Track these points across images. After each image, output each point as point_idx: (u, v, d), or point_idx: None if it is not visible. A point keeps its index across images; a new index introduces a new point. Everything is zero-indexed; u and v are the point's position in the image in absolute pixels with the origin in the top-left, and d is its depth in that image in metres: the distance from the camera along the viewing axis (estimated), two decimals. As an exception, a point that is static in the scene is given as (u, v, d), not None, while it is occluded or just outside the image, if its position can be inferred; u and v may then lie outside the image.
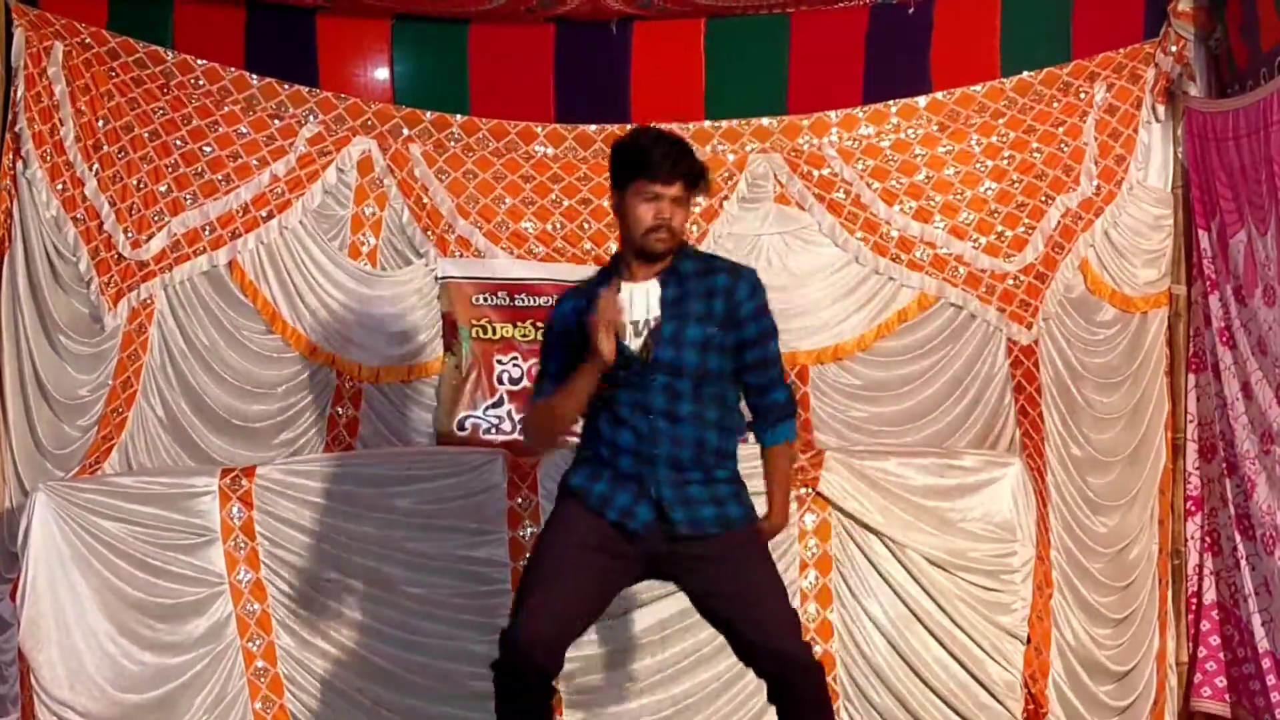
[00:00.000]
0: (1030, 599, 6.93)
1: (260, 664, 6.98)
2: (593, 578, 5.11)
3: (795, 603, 6.84)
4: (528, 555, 5.28)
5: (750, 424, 5.29)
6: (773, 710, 5.12)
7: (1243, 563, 7.17)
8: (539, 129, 8.03)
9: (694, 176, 5.12)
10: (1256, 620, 7.06)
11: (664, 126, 7.79)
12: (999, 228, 7.82)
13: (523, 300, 7.84)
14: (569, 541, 5.12)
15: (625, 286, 5.09)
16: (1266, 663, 6.98)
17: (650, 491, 5.06)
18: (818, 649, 6.86)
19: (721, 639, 6.81)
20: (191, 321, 7.78)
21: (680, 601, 6.76)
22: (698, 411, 5.07)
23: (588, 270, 7.76)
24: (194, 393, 7.74)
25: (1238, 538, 7.22)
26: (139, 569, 6.89)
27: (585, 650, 6.95)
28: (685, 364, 5.04)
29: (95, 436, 7.55)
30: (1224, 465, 7.35)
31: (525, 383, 7.79)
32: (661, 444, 5.05)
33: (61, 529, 6.84)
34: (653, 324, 5.05)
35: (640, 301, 5.09)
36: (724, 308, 5.11)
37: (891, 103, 7.93)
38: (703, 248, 7.76)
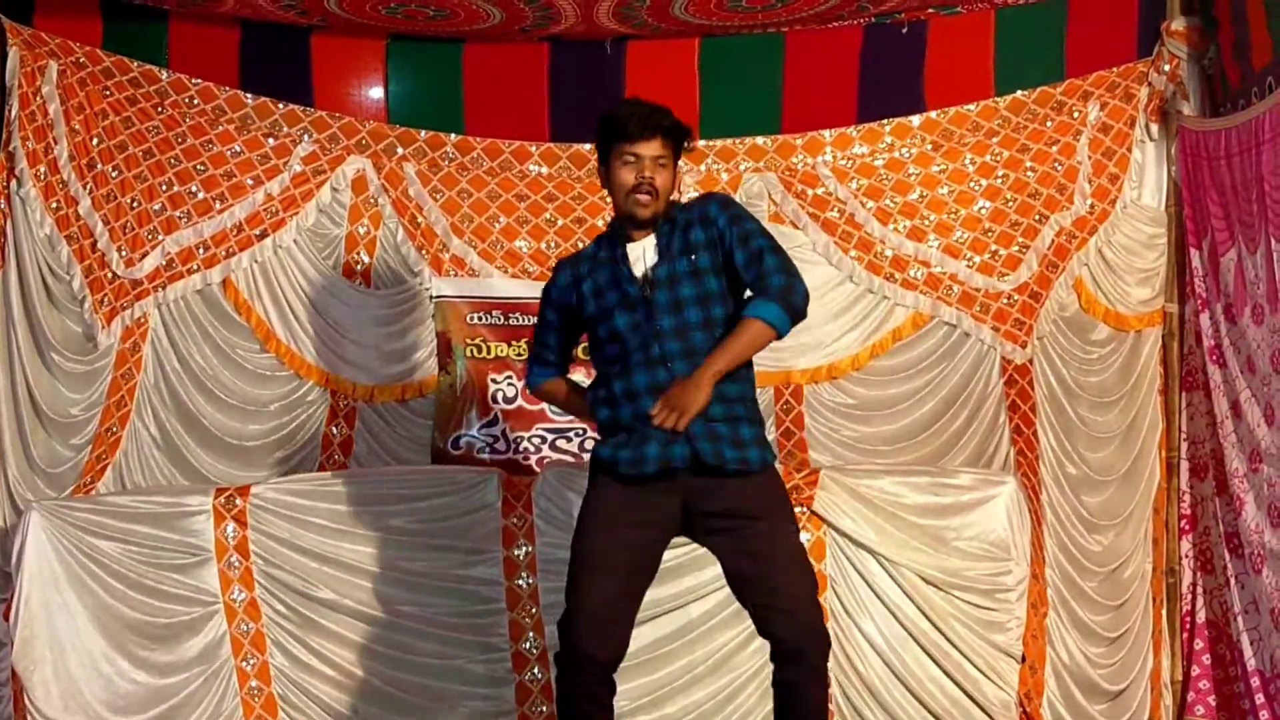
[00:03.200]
0: (1025, 618, 6.92)
1: (254, 684, 6.96)
2: (631, 555, 5.20)
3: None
4: (573, 539, 5.32)
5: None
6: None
7: (1232, 581, 7.18)
8: (533, 148, 8.04)
9: (670, 131, 5.19)
10: (1245, 639, 7.06)
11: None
12: (993, 246, 7.83)
13: (517, 319, 7.84)
14: (604, 524, 5.22)
15: (630, 247, 5.23)
16: (1255, 681, 6.98)
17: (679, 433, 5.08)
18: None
19: (714, 659, 6.86)
20: (185, 340, 7.78)
21: (673, 621, 6.79)
22: (710, 338, 5.12)
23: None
24: (188, 411, 7.74)
25: (1227, 556, 7.22)
26: (133, 588, 6.87)
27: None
28: (683, 295, 5.14)
29: (89, 455, 7.54)
30: (1214, 484, 7.35)
31: (520, 401, 7.79)
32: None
33: (55, 548, 6.82)
34: (644, 271, 5.20)
35: (638, 258, 5.21)
36: (702, 233, 5.20)
37: (886, 122, 7.95)
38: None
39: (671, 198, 5.28)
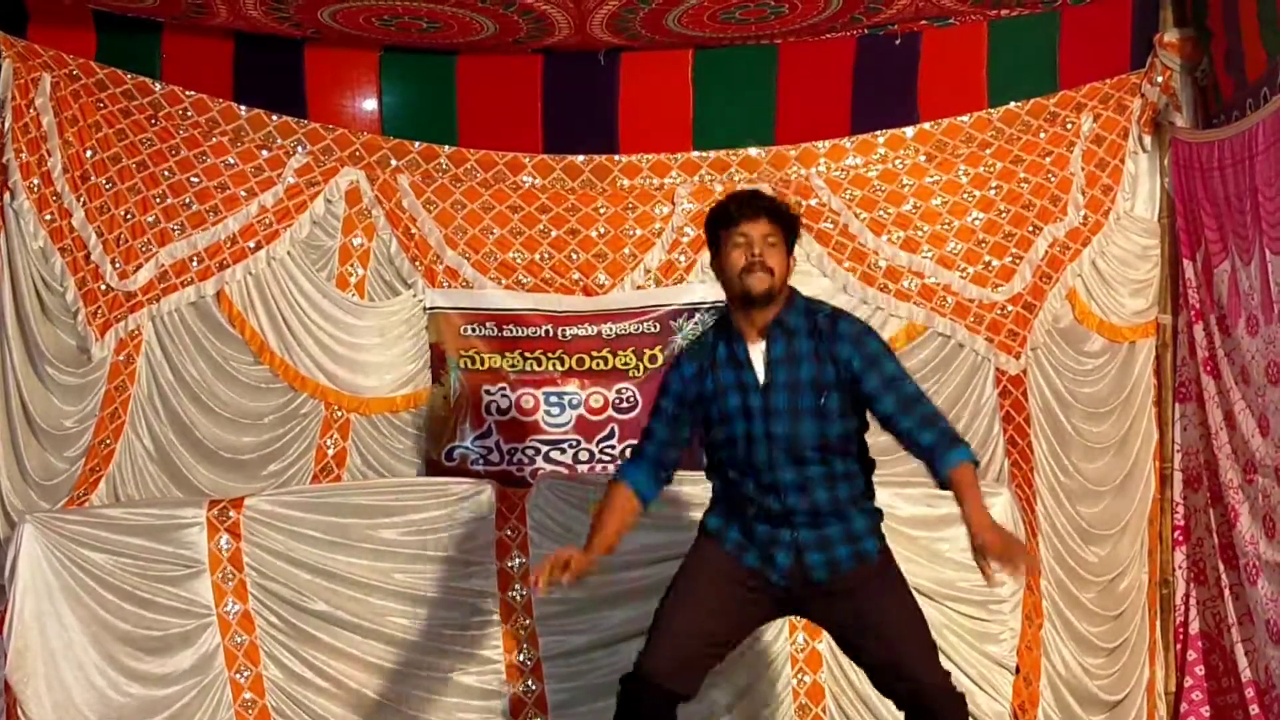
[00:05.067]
0: (1019, 629, 6.93)
1: (248, 696, 6.96)
2: (724, 607, 5.19)
3: (784, 633, 6.86)
4: (677, 573, 5.34)
5: (924, 466, 5.16)
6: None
7: (1226, 592, 7.17)
8: (527, 159, 8.04)
9: (777, 212, 5.16)
10: (1240, 650, 7.06)
11: (651, 157, 7.98)
12: (986, 257, 7.83)
13: (511, 331, 7.84)
14: (703, 571, 5.24)
15: (751, 350, 5.15)
16: (1250, 692, 6.98)
17: (784, 538, 5.13)
18: (807, 679, 6.86)
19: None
20: (179, 352, 7.77)
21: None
22: (828, 473, 5.14)
23: (575, 300, 7.84)
24: (181, 424, 7.73)
25: (1222, 567, 7.22)
26: (126, 600, 6.88)
27: (573, 682, 6.95)
28: (802, 437, 5.08)
29: (83, 468, 7.53)
30: (1208, 495, 7.36)
31: (513, 413, 7.79)
32: (797, 513, 5.12)
33: (49, 560, 6.82)
34: (761, 390, 5.12)
35: (757, 364, 5.14)
36: (833, 371, 5.11)
37: (879, 133, 7.95)
38: (693, 278, 7.83)
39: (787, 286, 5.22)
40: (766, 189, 5.26)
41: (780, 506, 5.11)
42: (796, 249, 5.25)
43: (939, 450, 5.03)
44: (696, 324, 7.77)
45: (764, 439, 5.10)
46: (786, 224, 5.18)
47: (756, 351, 5.15)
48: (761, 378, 5.12)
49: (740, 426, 5.13)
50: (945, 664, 6.73)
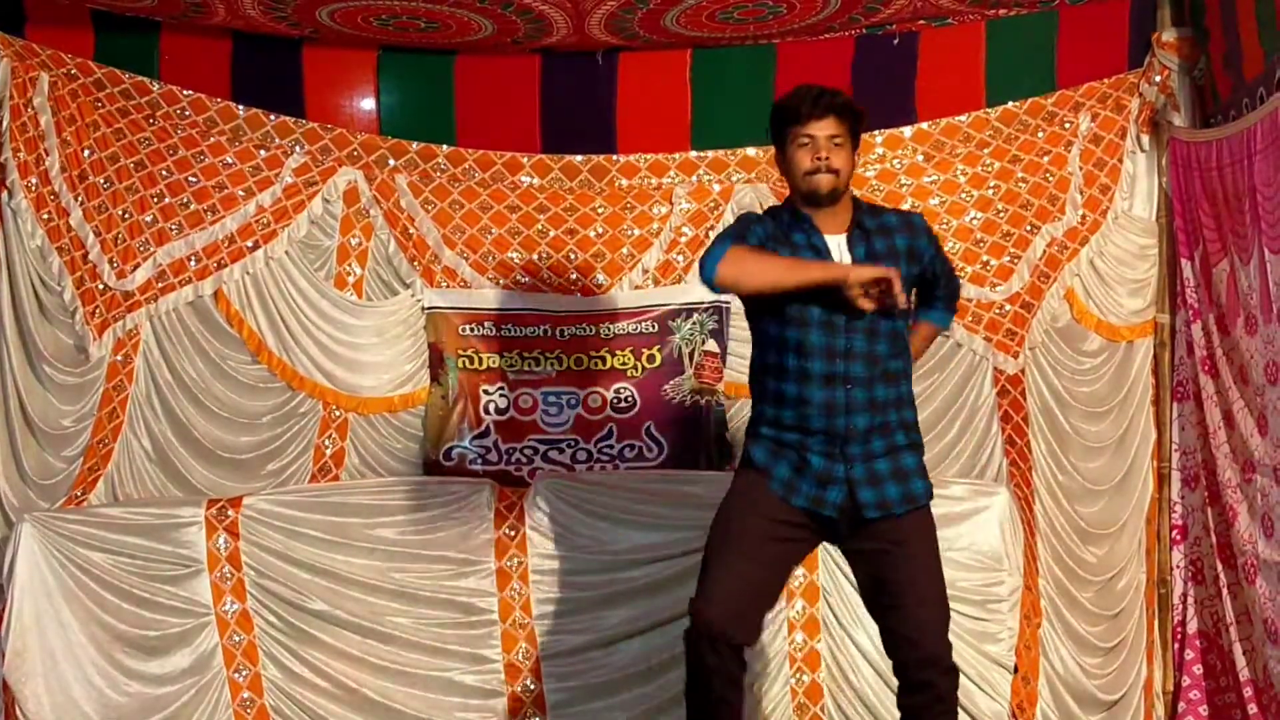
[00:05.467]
0: (1018, 628, 6.93)
1: (246, 695, 6.96)
2: (773, 551, 5.18)
3: (783, 632, 6.87)
4: (712, 523, 5.29)
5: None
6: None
7: (1224, 592, 7.18)
8: (525, 159, 8.04)
9: (844, 110, 5.17)
10: (1238, 649, 7.07)
11: (649, 157, 7.98)
12: (984, 257, 7.83)
13: (509, 330, 7.84)
14: (750, 513, 5.19)
15: (828, 238, 5.19)
16: (1248, 691, 6.99)
17: (838, 474, 5.12)
18: (806, 678, 6.87)
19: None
20: (177, 352, 7.76)
21: (671, 632, 6.78)
22: (890, 359, 5.17)
23: (574, 300, 7.82)
24: (180, 423, 7.72)
25: (1219, 567, 7.22)
26: (125, 600, 6.88)
27: (571, 681, 6.95)
28: (879, 325, 5.12)
29: (81, 467, 7.52)
30: (1206, 494, 7.36)
31: (511, 412, 7.79)
32: (857, 416, 5.11)
33: (47, 560, 6.82)
34: None
35: (836, 256, 5.18)
36: (915, 268, 5.30)
37: (877, 133, 7.94)
38: (690, 278, 7.82)
39: (852, 189, 5.32)
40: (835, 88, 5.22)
41: (844, 400, 5.09)
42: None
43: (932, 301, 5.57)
44: (694, 324, 7.78)
45: (842, 328, 5.10)
46: (854, 121, 5.22)
47: (835, 243, 5.19)
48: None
49: (816, 311, 5.10)
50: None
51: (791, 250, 5.19)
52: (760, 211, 5.74)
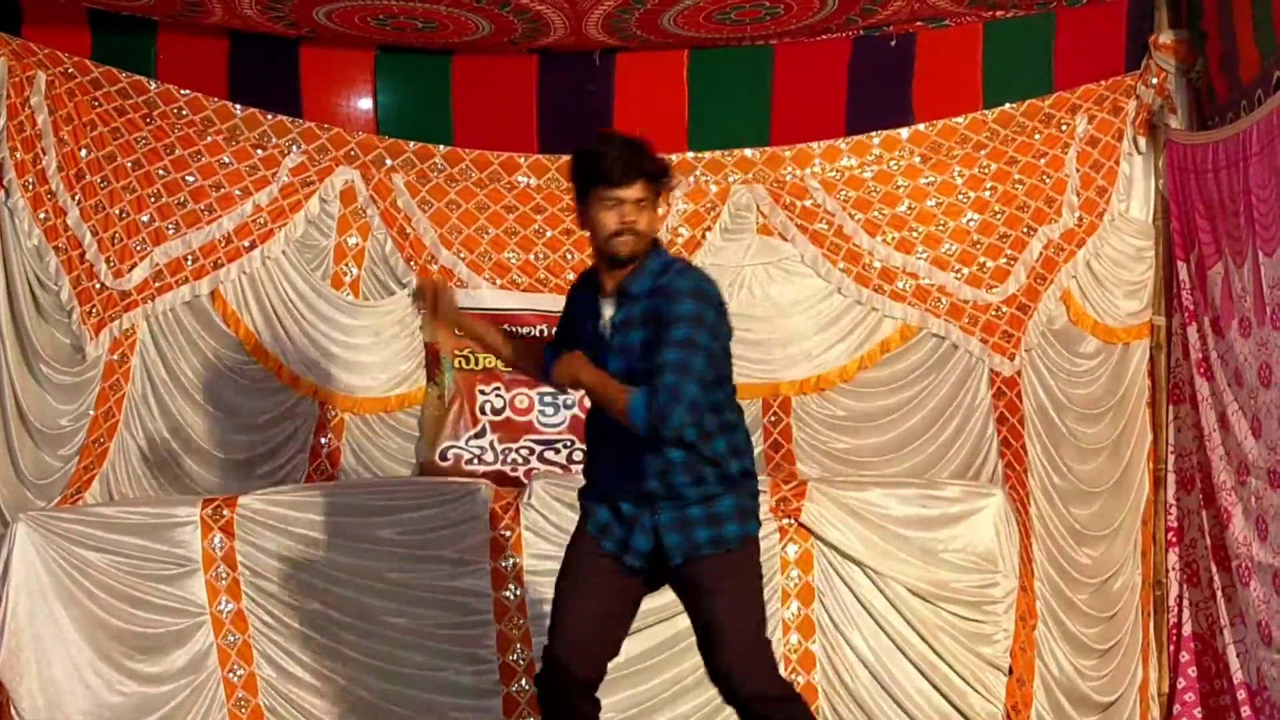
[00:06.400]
0: (1012, 630, 6.93)
1: (241, 695, 6.96)
2: (607, 593, 5.19)
3: (778, 634, 6.86)
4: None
5: None
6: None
7: (1219, 594, 7.18)
8: (522, 159, 8.04)
9: (652, 175, 5.07)
10: (1232, 651, 7.07)
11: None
12: (981, 259, 7.84)
13: (506, 330, 7.83)
14: (582, 556, 5.22)
15: (603, 301, 5.15)
16: (1241, 694, 6.98)
17: (644, 522, 5.10)
18: (800, 680, 6.86)
19: (701, 672, 6.84)
20: (174, 351, 7.77)
21: (661, 633, 6.79)
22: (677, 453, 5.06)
23: (571, 301, 7.81)
24: (176, 423, 7.73)
25: (1214, 569, 7.22)
26: (120, 599, 6.88)
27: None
28: (637, 374, 4.96)
29: (76, 466, 7.53)
30: (1201, 497, 7.36)
31: (508, 412, 7.80)
32: (649, 479, 5.07)
33: (42, 559, 6.82)
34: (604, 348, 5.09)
35: (604, 317, 5.14)
36: (651, 335, 5.00)
37: (874, 134, 7.95)
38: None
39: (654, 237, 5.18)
40: (643, 142, 5.08)
41: (629, 464, 5.06)
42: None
43: (648, 391, 4.87)
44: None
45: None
46: (659, 181, 5.10)
47: (607, 305, 5.14)
48: (608, 334, 5.11)
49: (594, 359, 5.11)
50: (938, 665, 6.81)
51: (578, 312, 5.30)
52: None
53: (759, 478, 5.48)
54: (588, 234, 5.19)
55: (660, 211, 5.28)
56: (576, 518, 5.35)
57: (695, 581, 5.11)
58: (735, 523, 5.12)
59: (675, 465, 5.04)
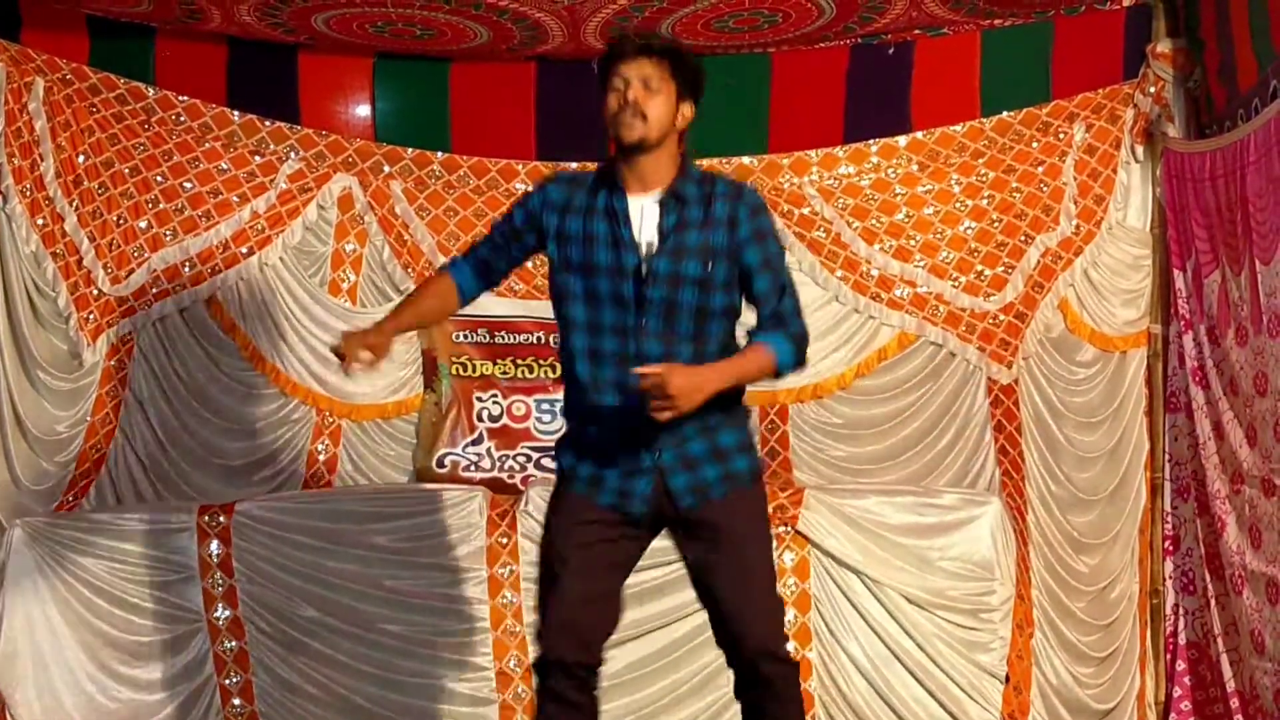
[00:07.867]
0: (1009, 638, 6.93)
1: (237, 702, 6.95)
2: (599, 568, 4.81)
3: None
4: (540, 541, 5.01)
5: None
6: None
7: (1213, 602, 7.18)
8: (520, 166, 8.04)
9: (662, 51, 4.73)
10: (1225, 660, 7.07)
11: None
12: (979, 267, 7.84)
13: (503, 337, 7.85)
14: (568, 532, 4.82)
15: (631, 201, 4.74)
16: (1235, 703, 6.99)
17: (644, 463, 4.73)
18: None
19: (699, 679, 6.85)
20: (171, 358, 7.76)
21: (657, 641, 6.79)
22: (698, 353, 4.68)
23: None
24: (173, 429, 7.72)
25: (1208, 577, 7.23)
26: (116, 606, 6.87)
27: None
28: (681, 301, 4.66)
29: (73, 472, 7.52)
30: (1196, 505, 7.36)
31: (504, 420, 7.80)
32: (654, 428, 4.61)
33: (39, 565, 6.82)
34: (645, 251, 4.69)
35: (638, 220, 4.72)
36: (725, 238, 4.70)
37: (872, 142, 7.95)
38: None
39: (680, 142, 4.83)
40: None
41: (639, 400, 4.49)
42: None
43: (778, 331, 4.68)
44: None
45: (633, 302, 4.69)
46: (676, 66, 4.75)
47: (637, 206, 4.75)
48: (646, 238, 4.70)
49: (605, 285, 4.71)
50: (935, 673, 6.81)
51: (586, 221, 4.80)
52: None
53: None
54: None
55: (684, 110, 4.80)
56: None
57: (710, 523, 4.75)
58: (744, 456, 4.83)
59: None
